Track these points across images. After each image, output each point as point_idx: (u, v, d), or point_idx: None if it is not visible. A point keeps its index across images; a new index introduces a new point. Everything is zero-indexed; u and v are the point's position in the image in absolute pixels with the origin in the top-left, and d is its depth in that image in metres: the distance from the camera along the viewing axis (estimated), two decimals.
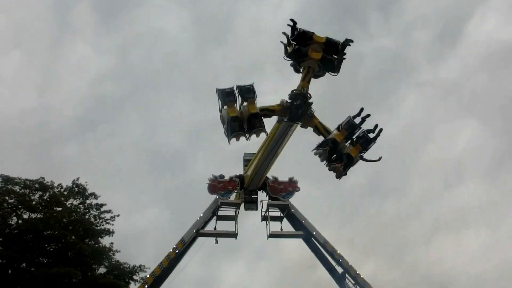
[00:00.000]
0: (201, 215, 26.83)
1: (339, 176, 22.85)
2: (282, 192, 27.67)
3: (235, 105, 22.35)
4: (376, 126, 23.24)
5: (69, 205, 43.05)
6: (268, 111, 22.81)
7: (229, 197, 27.28)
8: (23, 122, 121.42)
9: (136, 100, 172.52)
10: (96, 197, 44.45)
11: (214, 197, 27.29)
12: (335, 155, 22.46)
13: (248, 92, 22.32)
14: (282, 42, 22.86)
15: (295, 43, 22.40)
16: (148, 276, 26.26)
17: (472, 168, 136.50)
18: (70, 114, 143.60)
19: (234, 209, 27.45)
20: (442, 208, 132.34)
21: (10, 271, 37.92)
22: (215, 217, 27.37)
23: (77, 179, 44.48)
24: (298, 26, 21.80)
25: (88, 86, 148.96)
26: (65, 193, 43.22)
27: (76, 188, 44.07)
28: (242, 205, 27.57)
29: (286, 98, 22.22)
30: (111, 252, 43.56)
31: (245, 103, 22.08)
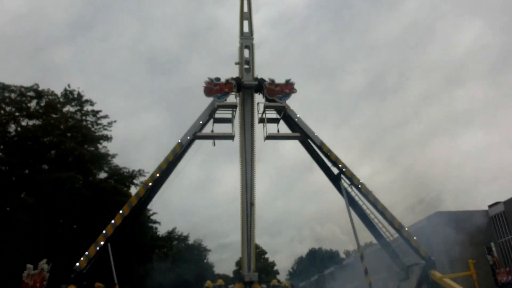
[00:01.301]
0: (198, 118, 26.82)
1: None
2: (278, 94, 27.52)
3: None
4: None
5: (65, 112, 43.10)
6: None
7: (226, 99, 27.15)
8: (15, 28, 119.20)
9: None
10: (92, 103, 44.54)
11: (211, 99, 27.17)
12: None
13: None
14: None
15: None
16: (147, 179, 26.66)
17: (474, 69, 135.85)
18: (61, 17, 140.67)
19: (231, 111, 27.44)
20: (440, 110, 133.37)
21: (14, 178, 38.72)
22: (212, 120, 27.41)
23: (69, 85, 44.23)
24: None
25: None
26: (61, 99, 43.09)
27: (71, 95, 43.92)
28: (238, 107, 27.57)
29: None
30: (109, 157, 44.33)
31: None
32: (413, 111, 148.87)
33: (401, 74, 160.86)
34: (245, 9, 28.93)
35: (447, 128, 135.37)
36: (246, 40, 28.85)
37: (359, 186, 26.21)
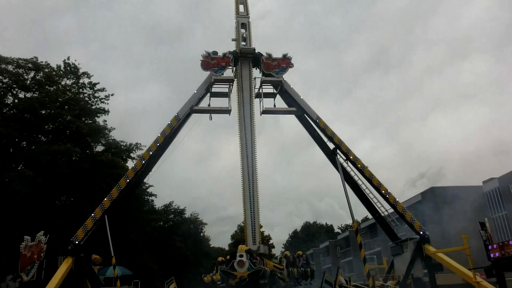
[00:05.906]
0: (195, 91, 26.80)
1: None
2: (275, 68, 27.46)
3: None
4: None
5: (63, 84, 42.85)
6: None
7: (223, 73, 27.08)
8: None
9: None
10: (88, 76, 44.29)
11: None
12: None
13: None
14: None
15: None
16: (144, 152, 26.77)
17: (480, 43, 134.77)
18: None
19: (228, 86, 27.41)
20: (443, 84, 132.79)
21: (11, 150, 38.67)
22: (209, 94, 27.38)
23: (68, 58, 44.01)
24: None
25: None
26: (59, 72, 42.76)
27: (68, 68, 43.65)
28: (235, 81, 27.52)
29: None
30: (106, 130, 44.29)
31: None
32: (415, 85, 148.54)
33: (405, 47, 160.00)
34: None
35: (449, 103, 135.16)
36: (242, 18, 28.67)
37: (355, 161, 26.39)
